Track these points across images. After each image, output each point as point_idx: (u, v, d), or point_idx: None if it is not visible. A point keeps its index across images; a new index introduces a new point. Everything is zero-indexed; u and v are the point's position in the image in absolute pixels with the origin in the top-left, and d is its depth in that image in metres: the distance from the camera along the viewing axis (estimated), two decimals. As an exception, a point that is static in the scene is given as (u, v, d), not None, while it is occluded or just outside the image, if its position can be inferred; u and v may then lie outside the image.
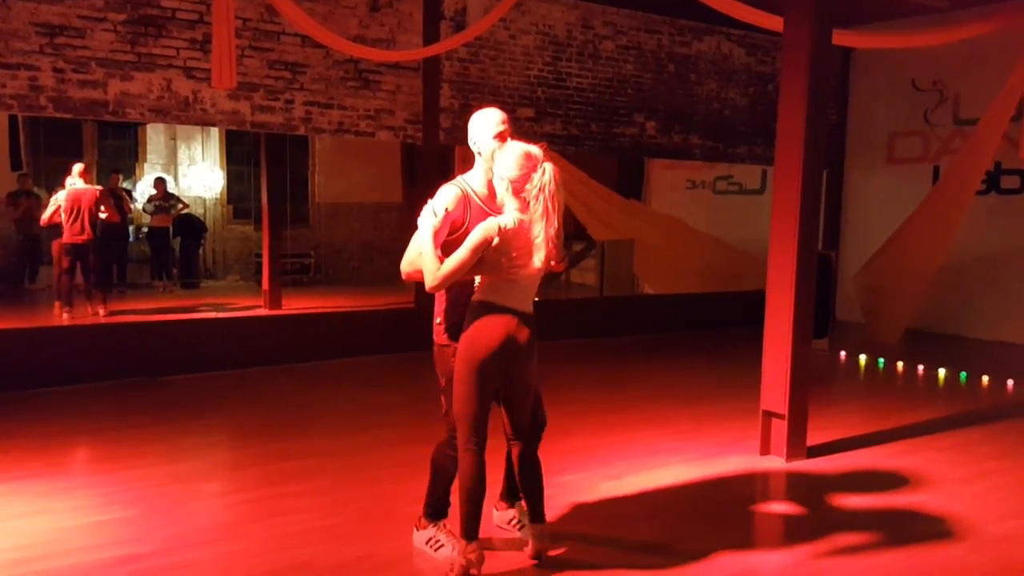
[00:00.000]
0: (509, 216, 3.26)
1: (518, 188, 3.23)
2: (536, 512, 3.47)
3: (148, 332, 7.55)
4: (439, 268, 3.18)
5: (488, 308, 3.28)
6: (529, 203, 3.23)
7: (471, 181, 3.45)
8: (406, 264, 3.37)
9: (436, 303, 3.51)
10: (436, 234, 3.24)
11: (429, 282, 3.20)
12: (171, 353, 7.26)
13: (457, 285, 3.35)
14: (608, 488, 4.46)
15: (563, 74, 9.20)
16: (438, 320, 3.48)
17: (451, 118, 8.45)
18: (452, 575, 3.31)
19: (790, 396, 5.00)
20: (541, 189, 3.20)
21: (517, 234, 3.23)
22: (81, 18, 6.65)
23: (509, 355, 3.27)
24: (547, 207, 3.20)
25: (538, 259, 3.25)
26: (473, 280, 3.35)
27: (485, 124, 3.42)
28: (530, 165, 3.23)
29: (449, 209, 3.30)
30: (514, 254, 3.24)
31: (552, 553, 3.47)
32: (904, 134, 10.76)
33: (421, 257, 3.23)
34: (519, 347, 3.29)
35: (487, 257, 3.22)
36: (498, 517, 3.82)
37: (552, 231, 3.22)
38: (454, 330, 3.42)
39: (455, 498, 3.39)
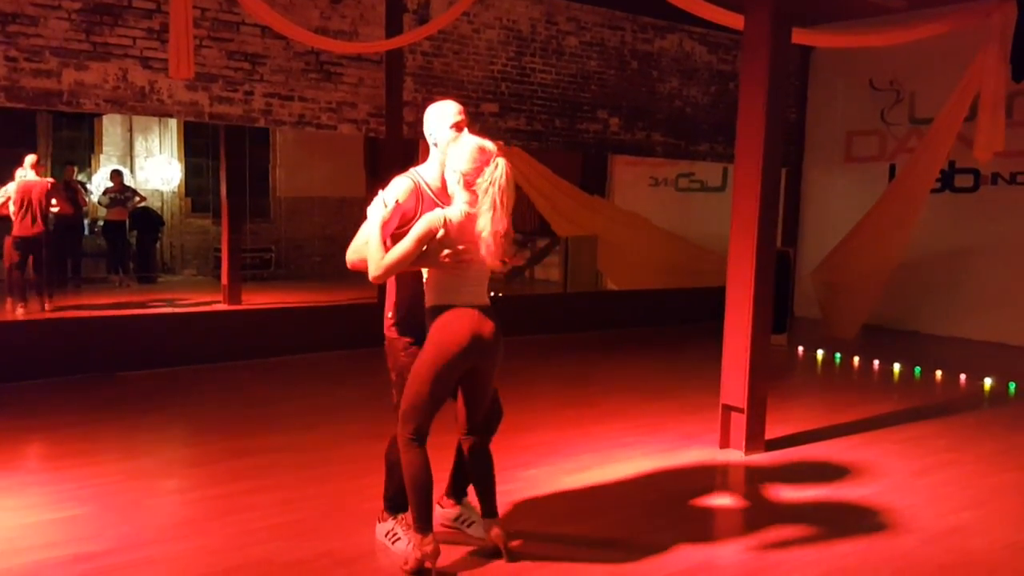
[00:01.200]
0: (456, 208, 3.22)
1: (470, 181, 3.18)
2: (489, 507, 3.46)
3: (104, 327, 7.40)
4: (383, 257, 3.13)
5: (447, 308, 3.22)
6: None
7: (424, 173, 3.41)
8: (351, 252, 3.32)
9: (387, 297, 3.46)
10: (385, 225, 3.18)
11: (372, 271, 3.16)
12: (128, 349, 7.13)
13: (409, 277, 3.31)
14: (570, 482, 4.48)
15: (527, 69, 9.19)
16: (389, 314, 3.45)
17: (414, 111, 8.39)
18: (408, 568, 3.29)
19: (749, 390, 5.06)
20: (492, 183, 3.13)
21: (465, 227, 3.18)
22: (34, 6, 6.47)
23: (477, 352, 3.23)
24: (495, 201, 3.13)
25: (484, 253, 3.19)
26: (422, 274, 3.31)
27: (441, 115, 3.38)
28: (483, 159, 3.18)
29: (400, 200, 3.25)
30: (461, 247, 3.18)
31: (509, 546, 3.46)
32: (861, 133, 10.94)
33: (367, 246, 3.18)
34: (486, 342, 3.25)
35: (433, 249, 3.16)
36: (442, 515, 3.74)
37: (501, 227, 3.15)
38: (404, 325, 3.39)
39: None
